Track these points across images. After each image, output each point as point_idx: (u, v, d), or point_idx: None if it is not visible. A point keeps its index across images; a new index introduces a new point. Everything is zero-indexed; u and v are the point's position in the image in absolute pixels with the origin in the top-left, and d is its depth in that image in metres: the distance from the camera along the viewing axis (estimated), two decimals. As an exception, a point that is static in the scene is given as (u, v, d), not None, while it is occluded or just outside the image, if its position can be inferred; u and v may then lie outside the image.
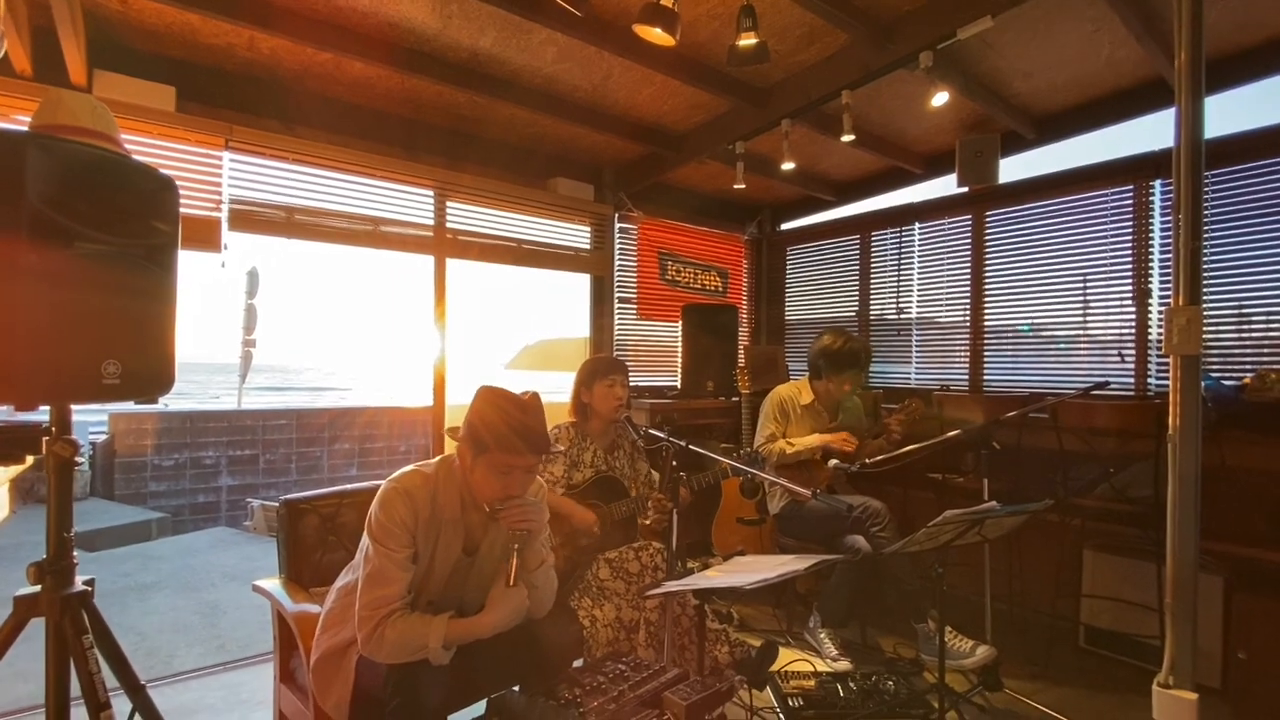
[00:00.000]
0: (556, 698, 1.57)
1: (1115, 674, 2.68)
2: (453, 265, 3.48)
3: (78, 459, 1.42)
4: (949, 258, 3.87)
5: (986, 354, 3.70)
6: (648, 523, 2.47)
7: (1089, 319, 3.32)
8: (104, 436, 9.49)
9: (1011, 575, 2.99)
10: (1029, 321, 3.55)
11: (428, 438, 3.52)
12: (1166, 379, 1.94)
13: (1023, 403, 2.76)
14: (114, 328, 1.33)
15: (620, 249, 4.17)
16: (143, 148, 2.56)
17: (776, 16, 2.52)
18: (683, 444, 2.14)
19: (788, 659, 2.58)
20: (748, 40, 2.29)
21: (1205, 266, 2.79)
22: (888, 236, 4.20)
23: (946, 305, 3.90)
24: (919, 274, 4.04)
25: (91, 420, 10.11)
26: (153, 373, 1.41)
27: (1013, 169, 3.62)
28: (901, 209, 4.13)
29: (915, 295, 4.06)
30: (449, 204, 3.47)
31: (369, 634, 1.50)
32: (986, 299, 3.69)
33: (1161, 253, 3.07)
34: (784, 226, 4.92)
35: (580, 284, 4.15)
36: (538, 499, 1.76)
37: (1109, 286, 3.23)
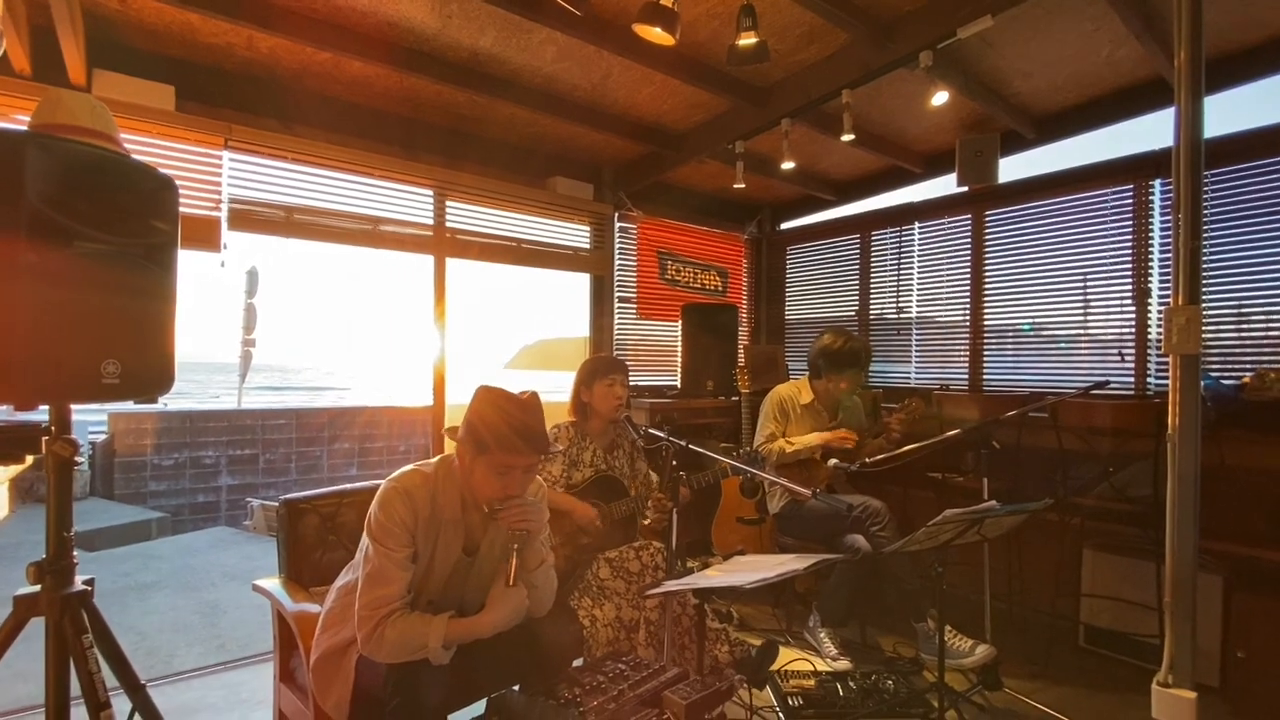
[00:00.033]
0: (556, 697, 1.57)
1: (1115, 673, 2.68)
2: (452, 265, 3.48)
3: (77, 459, 1.42)
4: (949, 257, 3.87)
5: (986, 353, 3.70)
6: (647, 522, 2.47)
7: (1089, 318, 3.32)
8: (104, 436, 9.49)
9: (1011, 574, 2.99)
10: (1029, 321, 3.55)
11: (427, 437, 3.52)
12: (1166, 378, 1.95)
13: (1022, 402, 2.76)
14: (113, 327, 1.33)
15: (620, 248, 4.16)
16: (142, 147, 2.56)
17: (776, 16, 2.52)
18: (682, 443, 2.14)
19: (787, 658, 2.58)
20: (747, 39, 2.29)
21: (1205, 266, 2.79)
22: (887, 236, 4.20)
23: (946, 305, 3.91)
24: (919, 273, 4.05)
25: (91, 420, 10.11)
26: (152, 372, 1.41)
27: (1012, 168, 3.62)
28: (901, 208, 4.13)
29: (915, 295, 4.06)
30: (448, 203, 3.47)
31: (369, 633, 1.50)
32: (986, 298, 3.69)
33: (1161, 252, 3.07)
34: (784, 226, 4.92)
35: (580, 283, 4.15)
36: (537, 499, 1.76)
37: (1109, 286, 3.24)
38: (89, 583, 1.47)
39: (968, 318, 3.76)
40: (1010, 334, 3.64)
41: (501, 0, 2.31)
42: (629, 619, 2.17)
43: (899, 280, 4.13)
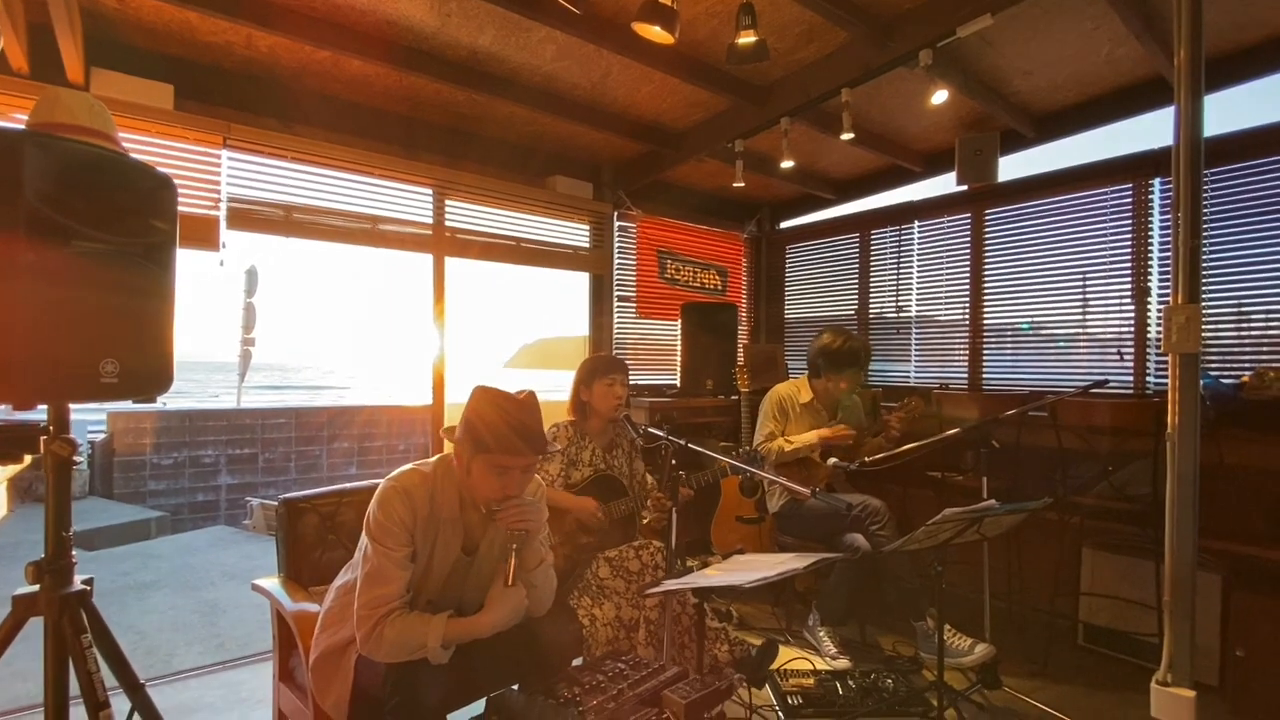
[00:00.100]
0: (556, 696, 1.57)
1: (1114, 672, 2.68)
2: (451, 264, 3.47)
3: (76, 458, 1.42)
4: (948, 256, 3.87)
5: (986, 352, 3.70)
6: (647, 521, 2.47)
7: (1088, 317, 3.33)
8: (103, 435, 9.47)
9: (1010, 573, 2.99)
10: (1028, 320, 3.56)
11: (426, 436, 3.52)
12: (1165, 377, 1.95)
13: (1022, 401, 2.76)
14: (112, 326, 1.33)
15: (619, 247, 4.16)
16: (140, 146, 2.55)
17: (776, 14, 2.52)
18: (682, 442, 2.14)
19: (787, 657, 2.58)
20: (747, 38, 2.29)
21: (1204, 265, 2.79)
22: (887, 235, 4.20)
23: (946, 304, 3.91)
24: (918, 272, 4.05)
25: (90, 419, 10.10)
26: (151, 371, 1.40)
27: (1012, 167, 3.62)
28: (901, 207, 4.13)
29: (914, 293, 4.06)
30: (448, 202, 3.47)
31: (368, 633, 1.50)
32: (986, 297, 3.69)
33: (1160, 251, 3.07)
34: (783, 225, 4.92)
35: (579, 282, 4.15)
36: (536, 498, 1.76)
37: (1108, 285, 3.24)
38: (88, 582, 1.46)
39: (967, 317, 3.76)
40: (1010, 333, 3.64)
41: (500, -2, 2.31)
42: (628, 618, 2.17)
43: (898, 279, 4.13)
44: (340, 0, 2.37)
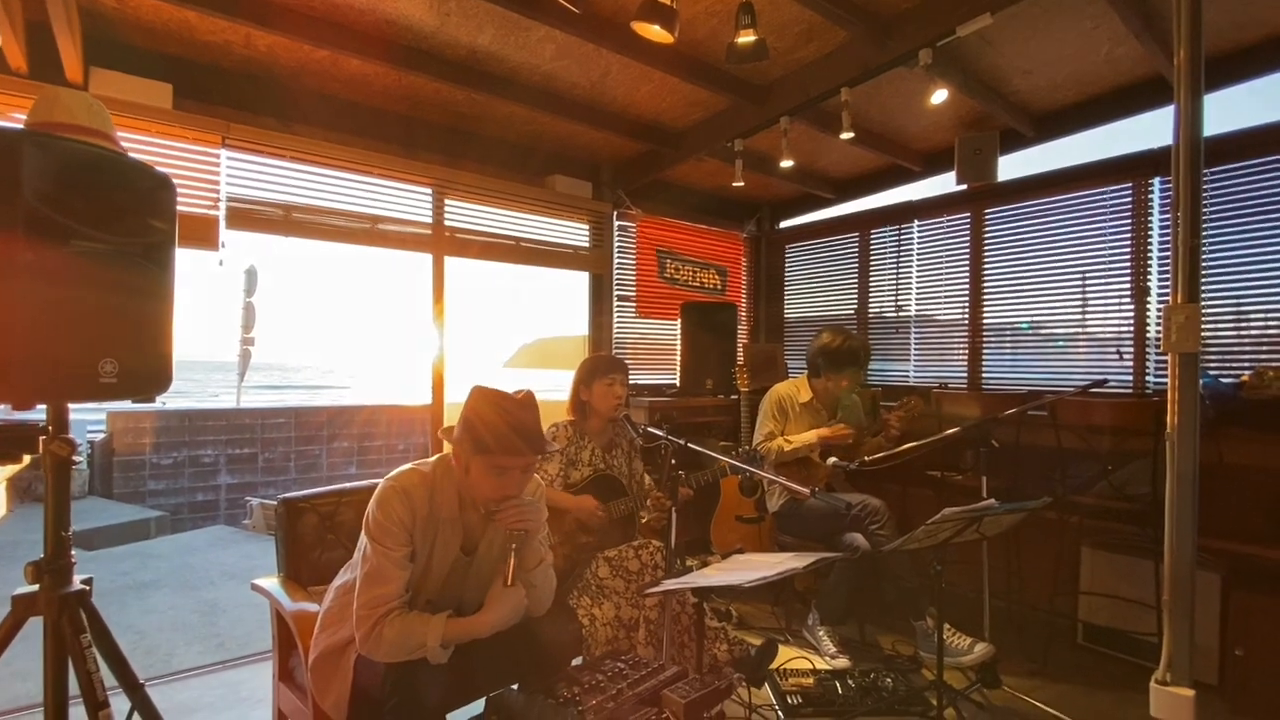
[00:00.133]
0: (555, 696, 1.57)
1: (1113, 671, 2.68)
2: (451, 263, 3.47)
3: (75, 458, 1.41)
4: (948, 255, 3.87)
5: (985, 352, 3.71)
6: (646, 521, 2.47)
7: (1087, 317, 3.33)
8: (102, 435, 9.47)
9: (1010, 573, 2.99)
10: (1028, 319, 3.56)
11: (426, 436, 3.52)
12: (1165, 376, 1.95)
13: (1021, 400, 2.76)
14: (111, 326, 1.33)
15: (619, 247, 4.16)
16: (139, 145, 2.55)
17: (775, 13, 2.52)
18: (681, 442, 2.14)
19: (786, 656, 2.58)
20: (746, 37, 2.28)
21: (1203, 264, 2.78)
22: (886, 234, 4.20)
23: (945, 303, 3.91)
24: (918, 272, 4.05)
25: (90, 419, 10.09)
26: (150, 371, 1.40)
27: (1012, 167, 3.62)
28: (900, 207, 4.13)
29: (914, 293, 4.07)
30: (447, 202, 3.46)
31: (367, 633, 1.50)
32: (985, 297, 3.69)
33: (1160, 250, 3.07)
34: (783, 224, 4.92)
35: (579, 282, 4.14)
36: (535, 498, 1.76)
37: (1107, 284, 3.24)
38: (87, 582, 1.46)
39: (966, 316, 3.76)
40: (1009, 332, 3.64)
41: (500, -2, 2.31)
42: (628, 618, 2.17)
43: (898, 278, 4.13)
44: (339, -1, 2.37)
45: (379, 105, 3.16)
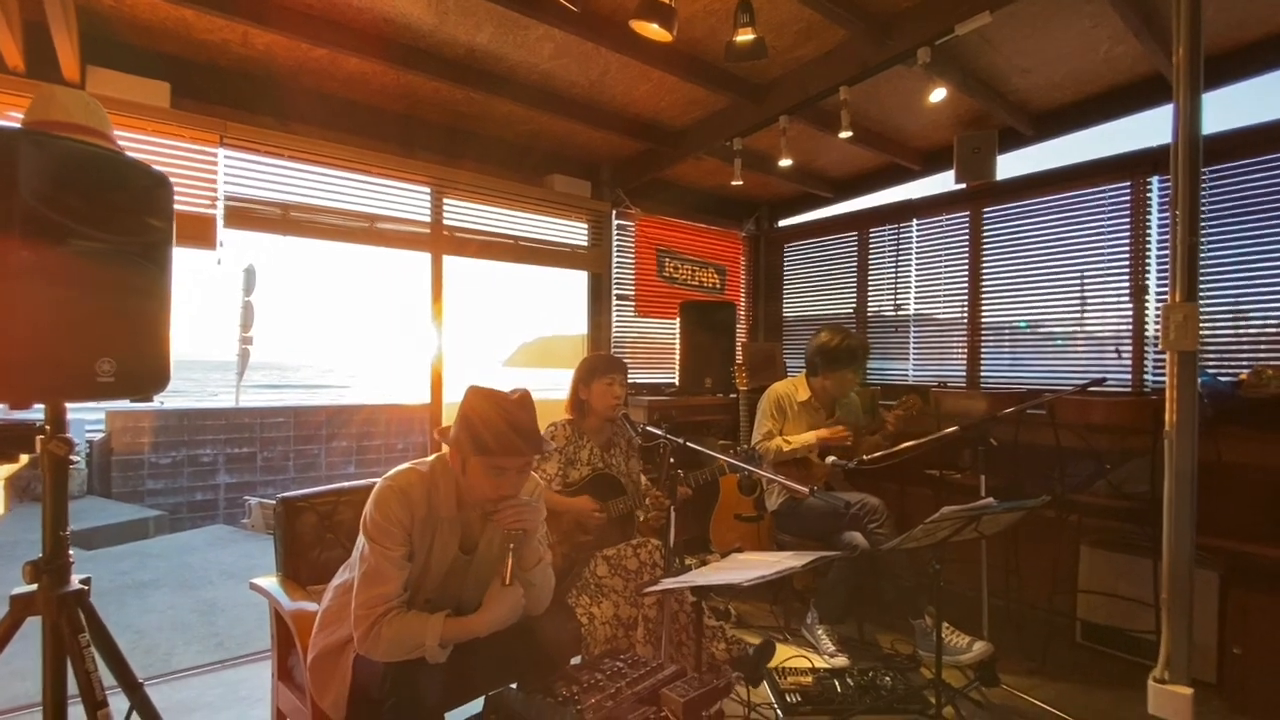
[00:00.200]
0: (554, 695, 1.57)
1: (1111, 669, 2.69)
2: (450, 262, 3.47)
3: (73, 457, 1.41)
4: (946, 254, 3.87)
5: (984, 350, 3.71)
6: (645, 519, 2.47)
7: (1086, 315, 3.33)
8: (101, 434, 9.46)
9: (1008, 571, 2.99)
10: (1026, 318, 3.56)
11: (425, 435, 3.52)
12: (1163, 375, 1.95)
13: (1020, 399, 2.76)
14: (109, 325, 1.33)
15: (618, 246, 4.16)
16: (137, 144, 2.54)
17: (774, 12, 2.52)
18: (680, 441, 2.14)
19: (785, 655, 2.59)
20: (745, 36, 2.28)
21: (1202, 263, 2.79)
22: (885, 233, 4.20)
23: (944, 302, 3.91)
24: (916, 270, 4.05)
25: (88, 418, 10.08)
26: (148, 370, 1.40)
27: (1010, 165, 3.62)
28: (899, 205, 4.13)
29: (913, 292, 4.07)
30: (446, 201, 3.46)
31: (365, 632, 1.50)
32: (984, 295, 3.69)
33: (1159, 249, 3.07)
34: (782, 223, 4.92)
35: (578, 281, 4.15)
36: (533, 497, 1.76)
37: (1106, 283, 3.24)
38: (85, 581, 1.46)
39: (965, 315, 3.76)
40: (1008, 331, 3.64)
41: (498, -4, 2.30)
42: (627, 617, 2.17)
43: (897, 277, 4.13)
44: (337, -2, 2.37)
45: (377, 104, 3.15)
